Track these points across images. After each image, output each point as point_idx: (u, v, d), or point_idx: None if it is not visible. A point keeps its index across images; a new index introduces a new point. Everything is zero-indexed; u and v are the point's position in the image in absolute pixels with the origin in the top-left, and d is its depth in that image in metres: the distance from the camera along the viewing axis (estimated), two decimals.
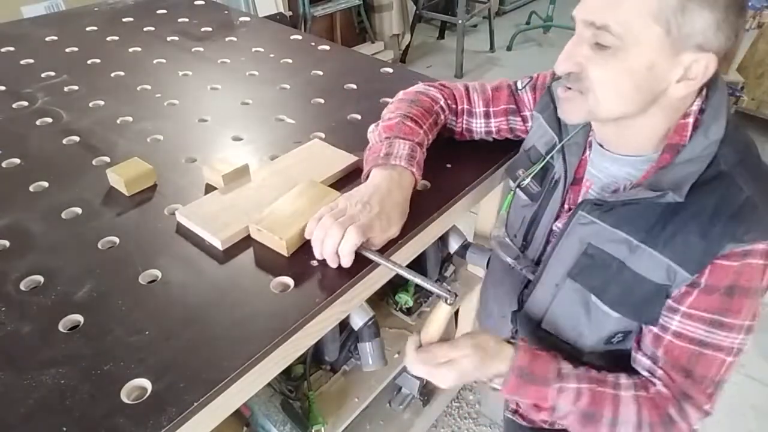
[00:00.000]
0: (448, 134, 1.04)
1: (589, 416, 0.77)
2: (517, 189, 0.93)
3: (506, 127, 1.01)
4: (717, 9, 0.61)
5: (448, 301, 0.69)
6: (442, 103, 0.99)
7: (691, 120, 0.71)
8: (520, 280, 0.97)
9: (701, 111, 0.71)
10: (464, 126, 1.03)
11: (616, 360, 0.84)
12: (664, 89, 0.68)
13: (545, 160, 0.88)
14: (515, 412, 1.12)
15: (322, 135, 1.11)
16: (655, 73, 0.66)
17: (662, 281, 0.73)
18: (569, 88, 0.72)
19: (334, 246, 0.75)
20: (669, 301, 0.74)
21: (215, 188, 0.93)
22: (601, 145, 0.81)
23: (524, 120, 1.00)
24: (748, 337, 0.71)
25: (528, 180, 0.91)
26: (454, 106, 1.01)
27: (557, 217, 0.88)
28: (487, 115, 1.01)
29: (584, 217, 0.79)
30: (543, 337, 0.91)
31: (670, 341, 0.74)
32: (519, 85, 0.99)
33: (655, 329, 0.76)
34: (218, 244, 0.81)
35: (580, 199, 0.84)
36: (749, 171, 0.70)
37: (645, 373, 0.79)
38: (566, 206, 0.87)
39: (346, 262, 0.76)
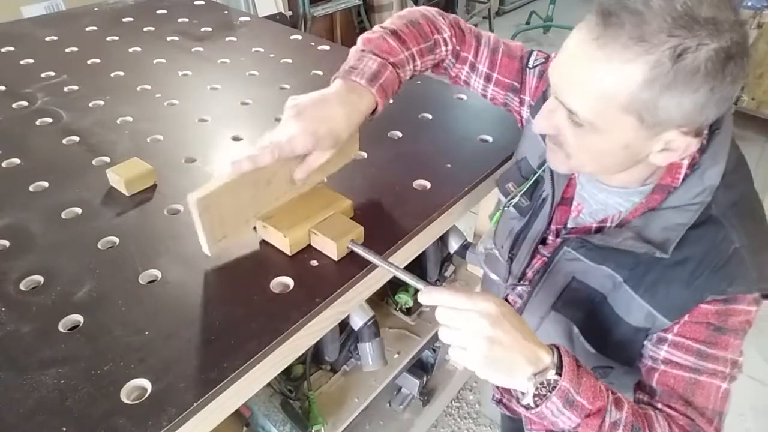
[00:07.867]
0: (440, 73, 0.97)
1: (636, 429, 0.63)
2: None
3: (501, 101, 0.95)
4: (700, 92, 0.55)
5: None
6: (446, 35, 0.88)
7: (686, 162, 0.67)
8: (510, 299, 0.95)
9: (701, 150, 0.67)
10: (462, 74, 0.94)
11: None
12: (645, 156, 0.65)
13: (536, 175, 0.85)
14: (500, 401, 1.11)
15: None
16: (633, 150, 0.63)
17: (640, 324, 0.71)
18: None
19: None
20: (657, 334, 0.71)
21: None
22: None
23: (521, 103, 0.93)
24: (736, 371, 0.67)
25: (518, 197, 0.88)
26: (458, 48, 0.91)
27: (543, 238, 0.86)
28: (487, 79, 0.93)
29: (570, 253, 0.77)
30: None
31: (663, 370, 0.69)
32: (531, 63, 0.91)
33: (648, 363, 0.72)
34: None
35: (569, 223, 0.83)
36: (741, 216, 0.66)
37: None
38: (553, 226, 0.85)
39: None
